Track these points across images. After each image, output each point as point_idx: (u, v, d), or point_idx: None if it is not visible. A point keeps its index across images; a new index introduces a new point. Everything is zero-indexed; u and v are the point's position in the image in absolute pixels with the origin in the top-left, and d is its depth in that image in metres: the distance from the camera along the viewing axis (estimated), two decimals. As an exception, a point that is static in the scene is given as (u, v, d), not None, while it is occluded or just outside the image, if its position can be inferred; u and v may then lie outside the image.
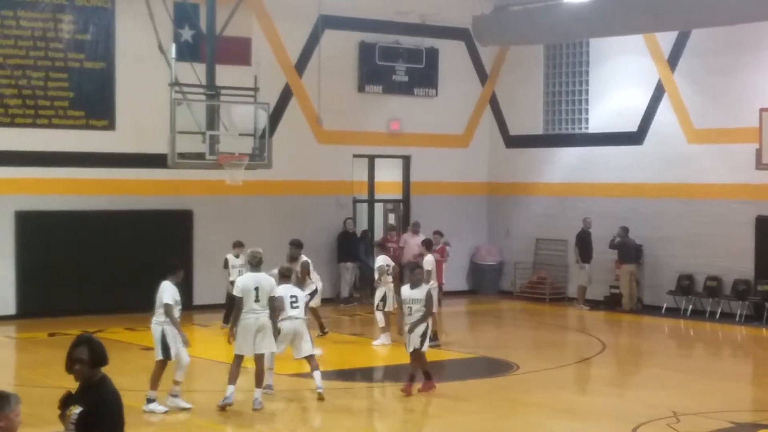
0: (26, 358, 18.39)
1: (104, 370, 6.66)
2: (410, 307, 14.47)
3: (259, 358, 13.50)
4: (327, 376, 15.69)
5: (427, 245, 19.43)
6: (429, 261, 18.64)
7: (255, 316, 13.31)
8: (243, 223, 23.35)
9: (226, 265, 20.38)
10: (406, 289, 14.70)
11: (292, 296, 13.96)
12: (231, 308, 20.31)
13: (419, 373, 14.63)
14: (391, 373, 17.40)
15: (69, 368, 6.52)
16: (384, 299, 18.99)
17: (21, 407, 6.00)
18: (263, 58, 23.10)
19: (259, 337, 13.38)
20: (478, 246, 27.40)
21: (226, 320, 20.33)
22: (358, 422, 13.81)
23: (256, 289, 13.35)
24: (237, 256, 20.05)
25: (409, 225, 25.47)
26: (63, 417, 6.54)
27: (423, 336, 14.44)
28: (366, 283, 25.64)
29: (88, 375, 6.49)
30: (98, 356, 6.52)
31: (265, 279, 13.59)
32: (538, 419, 13.60)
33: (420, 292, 14.50)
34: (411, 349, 14.52)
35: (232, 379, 13.42)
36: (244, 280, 13.55)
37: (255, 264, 13.70)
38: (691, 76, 23.65)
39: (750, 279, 22.55)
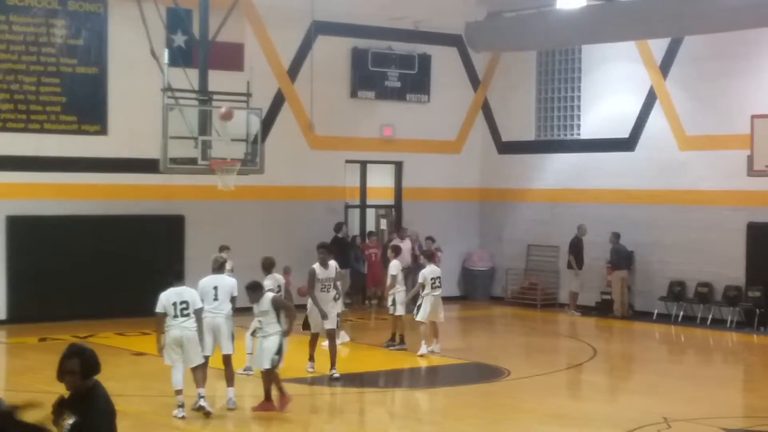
0: (16, 363, 18.34)
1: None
2: (260, 320, 13.60)
3: (227, 359, 13.65)
4: (317, 380, 15.69)
5: (395, 250, 19.55)
6: (395, 266, 18.93)
7: (212, 315, 13.53)
8: (235, 229, 23.32)
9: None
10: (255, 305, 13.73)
11: (213, 288, 13.67)
12: None
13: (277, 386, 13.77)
14: (381, 377, 17.41)
15: (60, 378, 6.49)
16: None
17: None
18: (256, 63, 23.07)
19: (219, 336, 13.64)
20: (469, 252, 27.42)
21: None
22: (350, 427, 13.81)
23: (215, 288, 13.70)
24: None
25: (402, 230, 25.55)
26: (56, 424, 6.51)
27: (278, 353, 13.51)
28: (357, 289, 25.68)
29: (80, 385, 6.49)
30: (90, 367, 6.47)
31: (226, 280, 13.93)
32: (529, 425, 13.61)
33: (265, 303, 13.51)
34: (265, 367, 13.58)
35: (202, 382, 13.42)
36: (203, 281, 13.87)
37: (216, 268, 14.08)
38: (683, 83, 23.70)
39: (741, 285, 22.58)
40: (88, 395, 6.47)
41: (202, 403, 13.25)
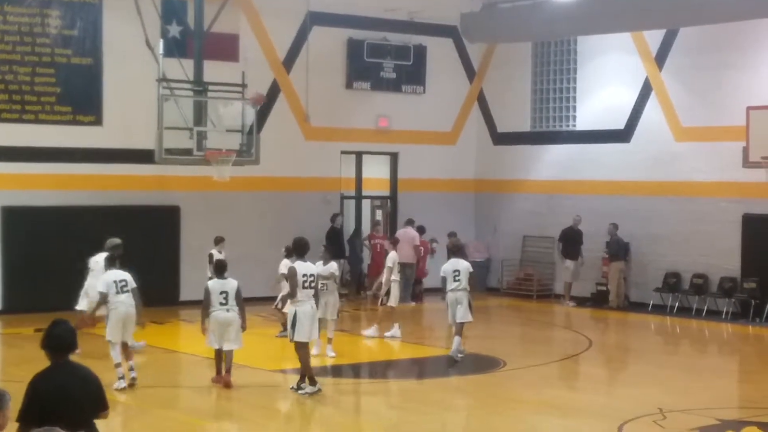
0: (12, 353, 18.32)
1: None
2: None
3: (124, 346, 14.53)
4: (314, 372, 15.65)
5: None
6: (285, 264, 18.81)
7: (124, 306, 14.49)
8: (230, 219, 23.30)
9: (211, 260, 20.51)
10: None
11: (121, 281, 14.49)
12: None
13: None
14: (376, 368, 17.42)
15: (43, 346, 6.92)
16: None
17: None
18: (251, 54, 23.05)
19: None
20: (465, 243, 27.35)
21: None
22: (345, 418, 13.80)
23: (115, 282, 14.52)
24: (220, 252, 20.36)
25: (403, 222, 25.55)
26: None
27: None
28: (353, 280, 25.66)
29: (52, 358, 6.84)
30: (58, 341, 7.02)
31: (123, 275, 14.66)
32: (524, 416, 13.62)
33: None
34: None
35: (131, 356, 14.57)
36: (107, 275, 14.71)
37: (112, 261, 14.96)
38: (678, 75, 23.69)
39: (736, 277, 22.61)
40: (45, 370, 6.91)
41: (134, 374, 14.33)
